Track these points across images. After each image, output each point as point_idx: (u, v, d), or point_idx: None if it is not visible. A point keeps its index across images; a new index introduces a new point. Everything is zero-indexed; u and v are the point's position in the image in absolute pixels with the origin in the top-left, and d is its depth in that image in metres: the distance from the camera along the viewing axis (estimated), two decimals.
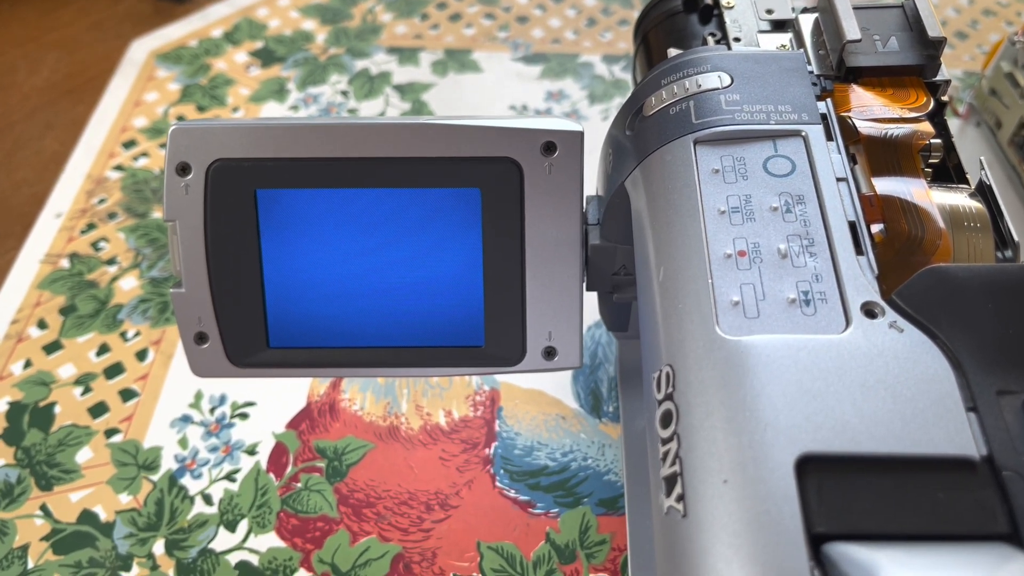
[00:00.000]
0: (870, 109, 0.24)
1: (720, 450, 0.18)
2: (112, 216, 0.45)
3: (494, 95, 0.50)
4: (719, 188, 0.22)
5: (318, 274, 0.26)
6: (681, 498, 0.18)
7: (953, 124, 0.47)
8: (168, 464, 0.35)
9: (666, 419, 0.19)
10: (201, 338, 0.27)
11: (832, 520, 0.16)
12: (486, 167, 0.25)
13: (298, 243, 0.26)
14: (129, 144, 0.49)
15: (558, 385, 0.37)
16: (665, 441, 0.19)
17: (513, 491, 0.34)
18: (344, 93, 0.51)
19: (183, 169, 0.25)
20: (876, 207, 0.22)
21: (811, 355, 0.19)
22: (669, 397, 0.19)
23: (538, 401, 0.37)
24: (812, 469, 0.17)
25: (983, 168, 0.23)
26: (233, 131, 0.25)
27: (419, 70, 0.52)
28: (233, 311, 0.26)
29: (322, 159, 0.25)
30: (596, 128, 0.47)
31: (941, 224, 0.22)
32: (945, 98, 0.26)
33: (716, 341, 0.19)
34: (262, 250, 0.26)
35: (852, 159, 0.23)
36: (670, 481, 0.18)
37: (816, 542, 0.16)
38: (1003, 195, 0.43)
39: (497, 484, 0.34)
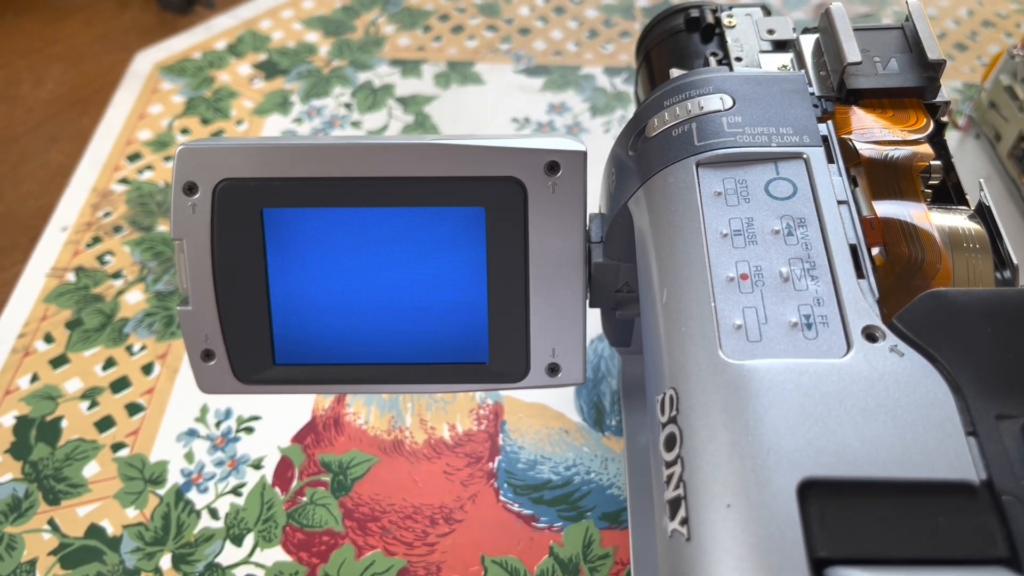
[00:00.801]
0: (871, 131, 0.25)
1: (723, 474, 0.18)
2: (117, 229, 0.45)
3: (496, 107, 0.50)
4: (721, 211, 0.22)
5: (323, 292, 0.27)
6: (685, 521, 0.18)
7: (952, 136, 0.47)
8: (175, 478, 0.36)
9: (670, 442, 0.19)
10: (208, 355, 0.27)
11: (834, 544, 0.17)
12: (490, 187, 0.25)
13: (304, 261, 0.26)
14: (134, 157, 0.49)
15: (561, 399, 0.38)
16: (669, 464, 0.19)
17: (517, 505, 0.34)
18: (347, 105, 0.51)
19: (190, 188, 0.25)
20: (877, 230, 0.22)
21: (813, 379, 0.19)
22: (673, 420, 0.20)
23: (541, 415, 0.37)
24: (814, 493, 0.17)
25: (982, 190, 0.24)
26: (240, 151, 0.25)
27: (422, 82, 0.52)
28: (239, 329, 0.27)
29: (327, 179, 0.25)
30: (598, 141, 0.48)
31: (941, 247, 0.22)
32: (945, 119, 0.26)
33: (719, 365, 0.19)
34: (268, 268, 0.26)
35: (853, 181, 0.23)
36: (674, 504, 0.19)
37: (818, 566, 0.17)
38: (1003, 208, 0.43)
39: (501, 498, 0.35)
